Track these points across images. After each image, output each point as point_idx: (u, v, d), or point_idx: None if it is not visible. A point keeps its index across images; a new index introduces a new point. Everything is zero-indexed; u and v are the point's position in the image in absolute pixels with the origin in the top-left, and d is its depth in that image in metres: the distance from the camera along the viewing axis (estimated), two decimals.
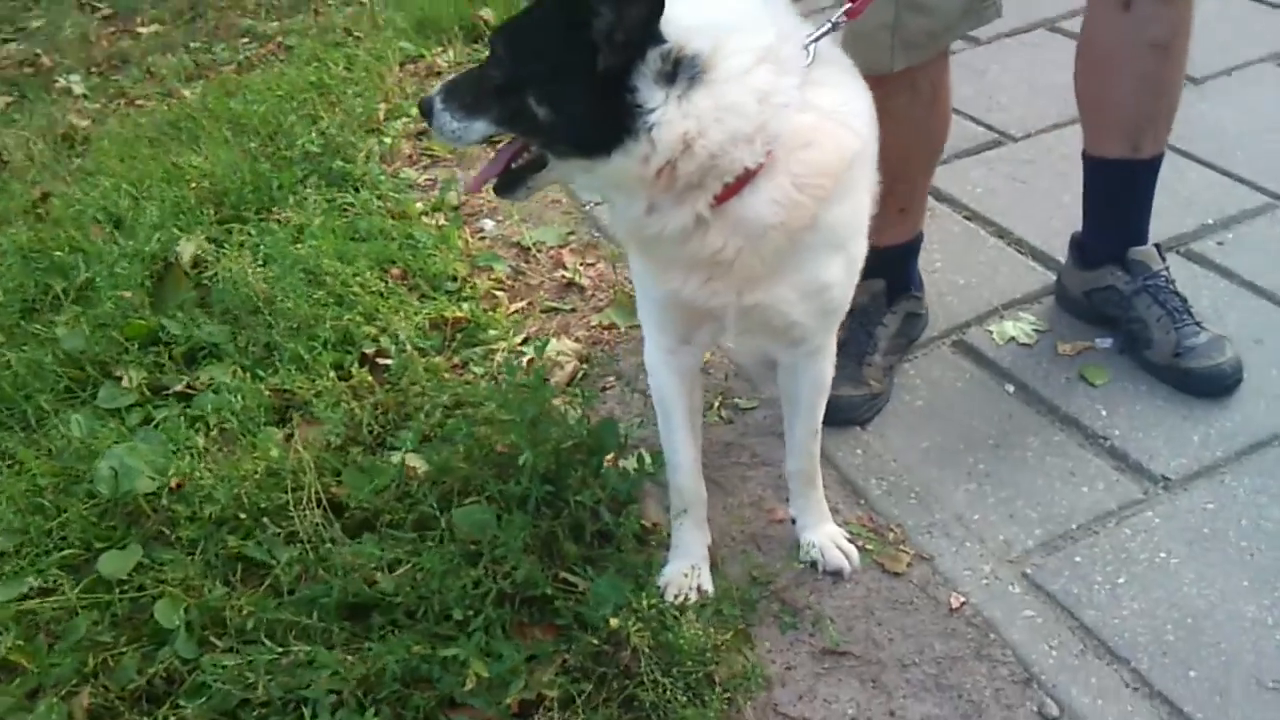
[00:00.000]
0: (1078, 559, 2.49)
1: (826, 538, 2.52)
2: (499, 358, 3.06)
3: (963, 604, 2.42)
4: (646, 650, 2.19)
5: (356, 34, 4.96)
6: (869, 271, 2.25)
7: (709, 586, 2.43)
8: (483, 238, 3.66)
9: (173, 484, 2.65)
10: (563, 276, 3.45)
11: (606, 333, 3.23)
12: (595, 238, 3.64)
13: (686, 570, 2.42)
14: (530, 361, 2.98)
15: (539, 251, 3.57)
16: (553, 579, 2.34)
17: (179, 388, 3.01)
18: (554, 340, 3.15)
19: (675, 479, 2.42)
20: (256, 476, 2.58)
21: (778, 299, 2.08)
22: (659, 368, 2.31)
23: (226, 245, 3.39)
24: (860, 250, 2.16)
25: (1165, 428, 2.75)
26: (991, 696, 2.25)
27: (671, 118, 1.78)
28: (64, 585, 2.43)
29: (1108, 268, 2.92)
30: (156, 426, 2.84)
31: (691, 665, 2.20)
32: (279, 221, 3.59)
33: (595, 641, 2.21)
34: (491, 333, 3.16)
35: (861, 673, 2.32)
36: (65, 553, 2.54)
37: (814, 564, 2.52)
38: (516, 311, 3.29)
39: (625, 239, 2.10)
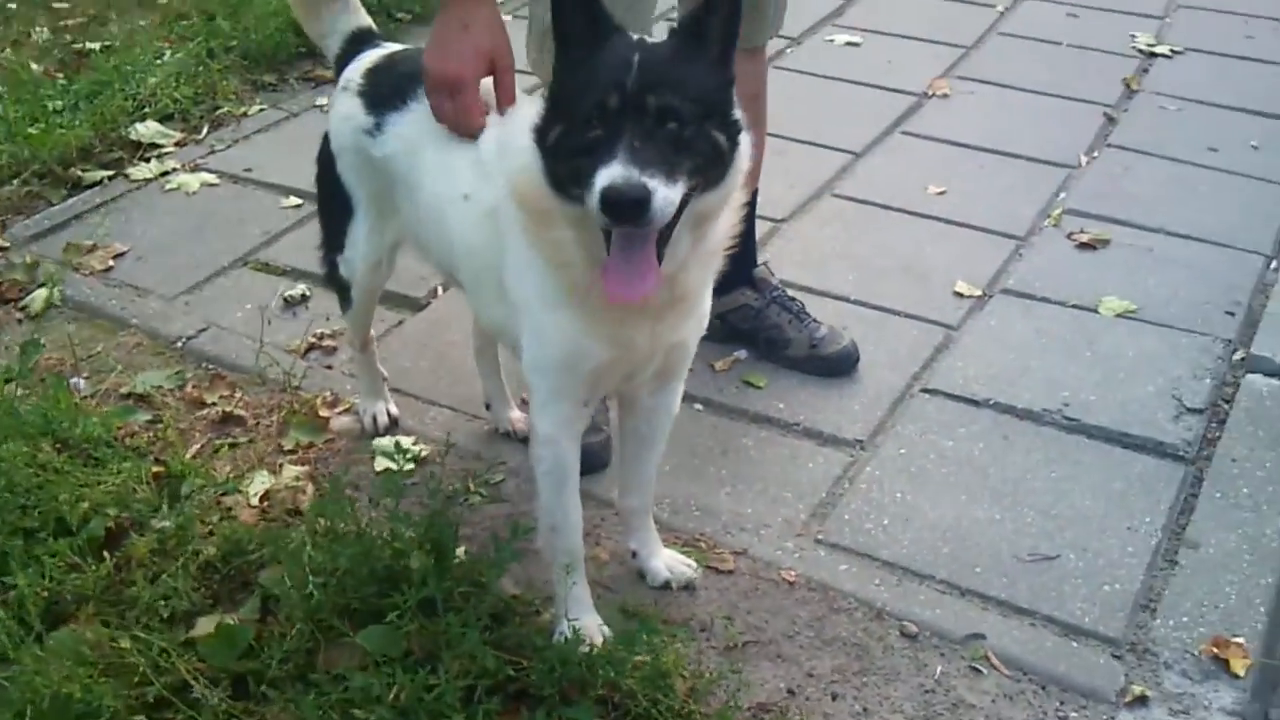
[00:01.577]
0: (846, 516, 2.99)
1: (670, 559, 2.77)
2: (236, 498, 2.87)
3: (795, 577, 2.80)
4: (640, 691, 2.31)
5: None
6: None
7: (608, 630, 2.57)
8: (85, 397, 3.31)
9: None
10: (216, 413, 3.26)
11: (308, 451, 3.14)
12: (211, 370, 3.46)
13: (590, 621, 2.54)
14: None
15: (164, 396, 3.32)
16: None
17: None
18: (265, 473, 3.01)
19: (569, 541, 2.51)
20: (107, 681, 2.24)
21: (688, 333, 2.37)
22: (560, 439, 2.40)
23: None
24: None
25: (831, 404, 3.36)
26: (865, 635, 2.68)
27: (744, 129, 2.05)
28: None
29: (739, 290, 3.46)
30: None
31: (672, 691, 2.36)
32: None
33: (601, 692, 2.28)
34: (197, 480, 2.93)
35: (766, 653, 2.62)
36: None
37: (667, 584, 2.75)
38: (196, 455, 3.07)
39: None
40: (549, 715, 2.21)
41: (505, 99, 2.52)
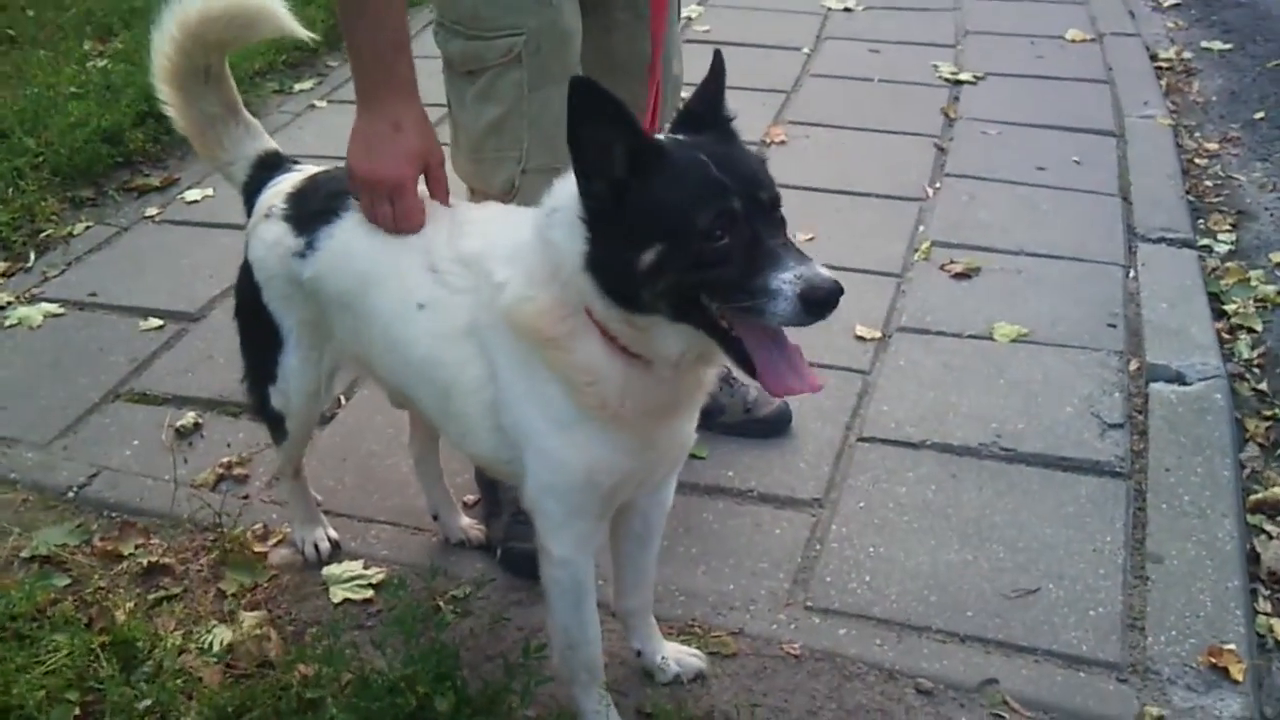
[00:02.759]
0: (828, 579, 2.97)
1: (676, 652, 2.69)
2: (191, 657, 2.64)
3: (799, 649, 2.76)
4: None
5: None
6: None
7: None
8: None
9: None
10: (137, 564, 2.99)
11: (254, 593, 2.92)
12: (116, 518, 3.18)
13: None
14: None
15: (72, 555, 3.03)
16: None
17: None
18: (221, 627, 2.78)
19: (591, 655, 2.43)
20: None
21: (691, 428, 2.31)
22: (579, 557, 2.30)
23: None
24: None
25: (777, 465, 3.34)
26: (884, 698, 2.66)
27: None
28: None
29: None
30: None
31: None
32: None
33: None
34: (140, 644, 2.68)
35: None
36: None
37: (678, 678, 2.67)
38: (132, 615, 2.80)
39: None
40: None
41: (441, 196, 2.43)
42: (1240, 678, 2.67)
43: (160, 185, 4.97)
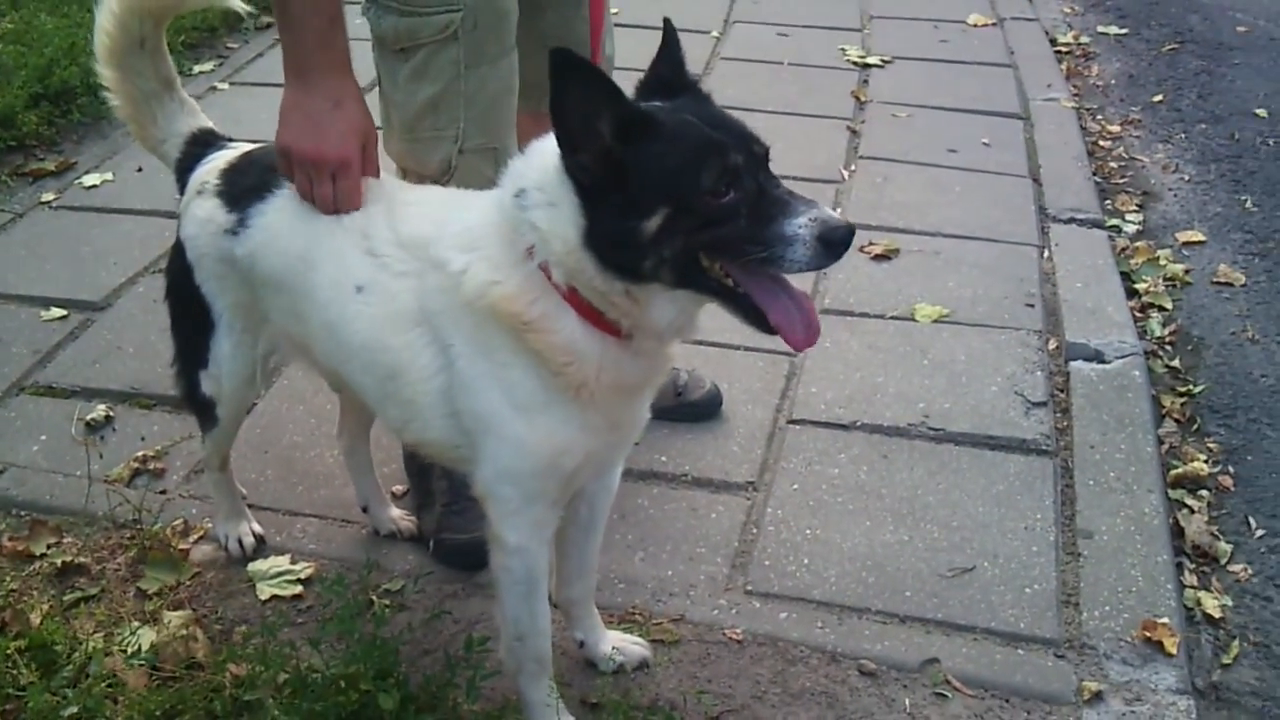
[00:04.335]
0: (766, 562, 2.95)
1: (619, 641, 2.65)
2: (114, 660, 2.52)
3: (741, 634, 2.74)
4: None
5: None
6: None
7: None
8: None
9: None
10: (50, 565, 2.86)
11: (176, 592, 2.81)
12: (25, 516, 3.04)
13: None
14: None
15: None
16: None
17: None
18: (144, 628, 2.67)
19: (541, 646, 2.36)
20: None
21: (647, 408, 2.27)
22: (535, 545, 2.23)
23: None
24: None
25: (710, 449, 3.31)
26: (828, 681, 2.65)
27: None
28: None
29: None
30: None
31: None
32: None
33: None
34: (59, 647, 2.56)
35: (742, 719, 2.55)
36: None
37: (622, 667, 2.63)
38: (51, 617, 2.68)
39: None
40: None
41: (373, 173, 2.37)
42: (1174, 651, 2.71)
43: (56, 170, 4.77)
